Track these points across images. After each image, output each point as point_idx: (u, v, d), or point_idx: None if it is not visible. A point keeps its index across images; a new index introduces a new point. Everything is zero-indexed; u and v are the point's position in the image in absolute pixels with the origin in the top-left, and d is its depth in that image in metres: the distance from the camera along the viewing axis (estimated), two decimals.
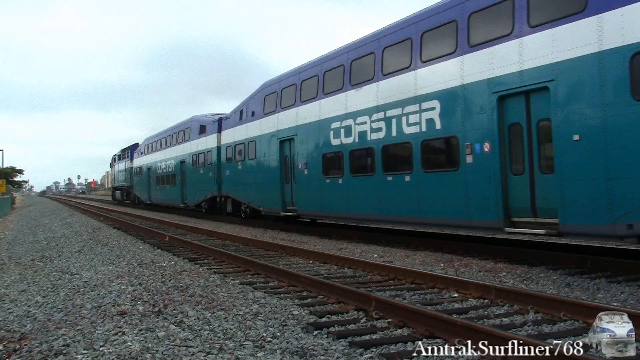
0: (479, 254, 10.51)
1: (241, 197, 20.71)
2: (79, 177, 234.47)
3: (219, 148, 22.78)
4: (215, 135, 23.14)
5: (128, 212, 30.74)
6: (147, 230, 17.30)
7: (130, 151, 42.29)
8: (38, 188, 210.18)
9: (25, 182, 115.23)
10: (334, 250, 11.90)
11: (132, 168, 40.90)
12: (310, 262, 10.43)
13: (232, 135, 21.39)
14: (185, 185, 27.42)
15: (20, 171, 70.42)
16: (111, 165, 54.50)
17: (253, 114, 19.31)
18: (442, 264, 9.58)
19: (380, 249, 12.00)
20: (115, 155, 51.08)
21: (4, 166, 61.38)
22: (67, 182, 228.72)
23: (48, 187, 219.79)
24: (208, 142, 24.03)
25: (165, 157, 31.05)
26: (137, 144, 41.34)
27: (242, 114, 20.45)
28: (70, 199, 77.38)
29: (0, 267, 10.40)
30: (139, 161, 38.20)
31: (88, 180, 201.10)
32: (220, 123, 23.06)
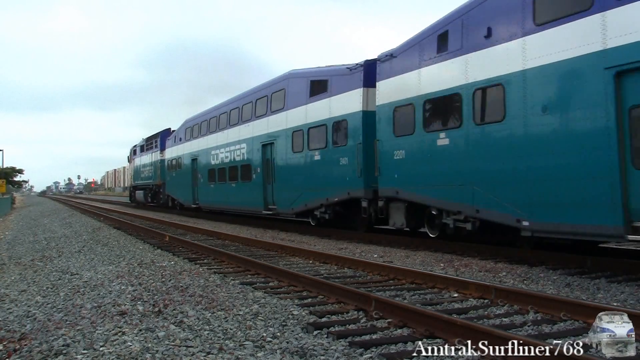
0: (479, 254, 10.51)
1: (446, 200, 10.87)
2: (79, 177, 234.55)
3: (366, 113, 13.45)
4: (358, 92, 13.73)
5: (128, 212, 30.73)
6: (147, 230, 17.30)
7: (159, 139, 32.92)
8: (38, 188, 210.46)
9: (25, 182, 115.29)
10: (334, 250, 11.90)
11: (163, 161, 31.48)
12: (310, 262, 10.44)
13: (412, 83, 11.55)
14: (274, 181, 17.80)
15: (20, 171, 70.27)
16: (129, 160, 44.09)
17: (489, 33, 9.83)
18: (442, 264, 9.59)
19: (380, 249, 12.00)
20: (135, 146, 41.08)
21: (4, 166, 61.28)
22: (67, 182, 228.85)
23: (48, 187, 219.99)
24: (335, 106, 14.60)
25: (227, 141, 21.60)
26: (169, 129, 32.51)
27: (449, 39, 10.80)
28: (70, 199, 77.51)
29: (0, 267, 10.40)
30: (176, 151, 28.77)
31: (88, 180, 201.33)
32: (369, 70, 13.43)
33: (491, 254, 10.36)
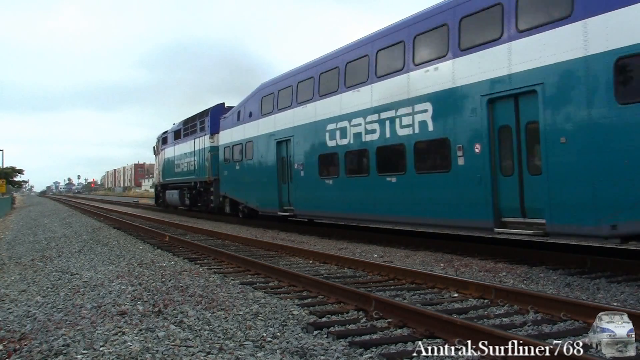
0: (479, 254, 10.51)
1: None
2: (79, 177, 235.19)
3: None
4: None
5: (128, 212, 30.73)
6: (147, 230, 17.30)
7: (208, 119, 23.90)
8: (38, 188, 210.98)
9: (25, 182, 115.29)
10: (334, 250, 11.90)
11: (214, 148, 22.84)
12: (310, 262, 10.44)
13: None
14: (529, 169, 9.20)
15: (20, 171, 70.23)
16: (155, 151, 34.87)
17: None
18: (442, 264, 9.59)
19: (380, 249, 12.00)
20: (165, 133, 32.09)
21: (4, 166, 61.28)
22: (67, 182, 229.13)
23: (48, 187, 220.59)
24: None
25: (370, 104, 12.66)
26: (223, 104, 23.92)
27: None
28: (70, 199, 77.60)
29: (0, 267, 10.40)
30: (241, 132, 19.95)
31: (88, 180, 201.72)
32: None
33: (491, 254, 10.36)
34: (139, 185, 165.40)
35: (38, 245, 14.18)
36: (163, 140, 32.18)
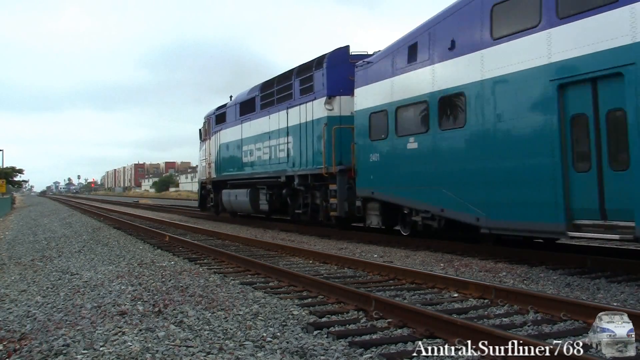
0: (479, 254, 10.50)
1: None
2: (79, 177, 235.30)
3: None
4: None
5: (128, 212, 30.74)
6: (147, 230, 17.30)
7: (321, 75, 15.09)
8: (38, 188, 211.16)
9: (25, 182, 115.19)
10: (334, 250, 11.90)
11: (336, 120, 14.55)
12: (310, 262, 10.44)
13: None
14: None
15: (20, 171, 70.15)
16: (204, 136, 24.98)
17: None
18: (442, 264, 9.59)
19: (380, 249, 12.00)
20: (219, 109, 23.14)
21: (4, 166, 61.25)
22: (67, 182, 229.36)
23: (48, 187, 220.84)
24: None
25: None
26: (347, 48, 15.19)
27: None
28: (70, 199, 77.64)
29: (0, 267, 10.40)
30: (415, 83, 11.20)
31: (88, 180, 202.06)
32: None
33: (491, 254, 10.35)
34: (139, 185, 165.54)
35: (38, 245, 14.18)
36: (218, 118, 22.78)
